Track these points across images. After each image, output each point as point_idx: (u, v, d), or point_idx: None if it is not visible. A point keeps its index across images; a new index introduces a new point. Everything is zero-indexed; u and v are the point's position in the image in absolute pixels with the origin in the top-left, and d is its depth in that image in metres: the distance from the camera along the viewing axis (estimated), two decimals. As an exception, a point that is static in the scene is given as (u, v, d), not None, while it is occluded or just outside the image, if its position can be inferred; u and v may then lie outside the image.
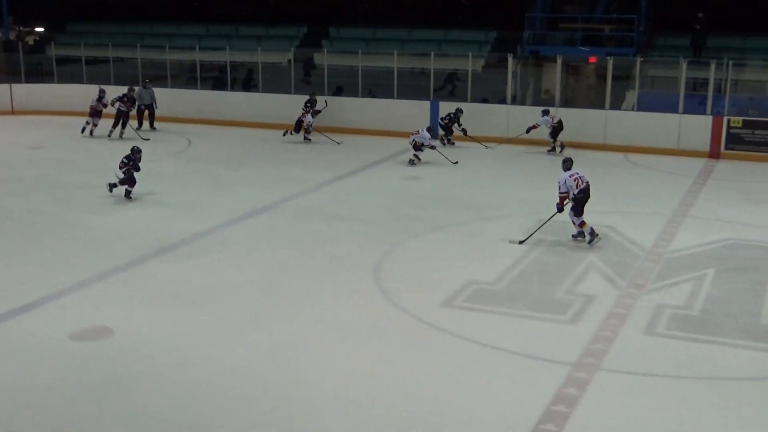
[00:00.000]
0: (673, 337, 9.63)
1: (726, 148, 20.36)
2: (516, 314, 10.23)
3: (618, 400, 8.07)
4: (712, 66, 20.85)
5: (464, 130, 21.46)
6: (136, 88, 23.40)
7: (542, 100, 23.58)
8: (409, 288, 11.06)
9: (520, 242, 12.97)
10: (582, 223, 12.94)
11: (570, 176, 12.93)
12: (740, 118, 20.45)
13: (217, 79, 26.94)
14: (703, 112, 20.92)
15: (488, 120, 22.32)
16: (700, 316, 10.21)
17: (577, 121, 21.46)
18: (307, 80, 26.19)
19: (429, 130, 19.60)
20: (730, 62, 21.14)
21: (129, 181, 15.59)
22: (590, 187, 13.03)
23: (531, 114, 21.20)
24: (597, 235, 12.92)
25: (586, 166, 19.19)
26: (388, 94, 23.54)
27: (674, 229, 13.96)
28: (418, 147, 19.11)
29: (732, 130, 20.24)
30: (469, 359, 8.98)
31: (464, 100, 22.72)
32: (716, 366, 8.87)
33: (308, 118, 21.86)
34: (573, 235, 13.18)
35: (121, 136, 22.15)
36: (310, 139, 22.03)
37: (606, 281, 11.40)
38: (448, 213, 14.85)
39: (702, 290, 11.07)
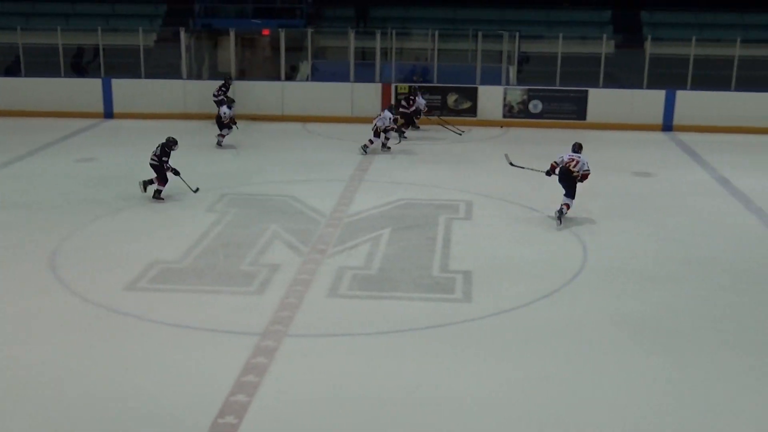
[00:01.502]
0: (354, 297, 10.11)
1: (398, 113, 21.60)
2: (203, 290, 10.20)
3: (305, 362, 8.34)
4: (378, 36, 21.97)
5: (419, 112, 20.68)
6: None
7: (219, 73, 23.52)
8: (90, 274, 10.61)
9: (511, 163, 14.20)
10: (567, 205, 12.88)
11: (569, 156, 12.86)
12: (406, 85, 21.77)
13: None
14: (372, 80, 22.01)
15: (164, 96, 21.86)
16: (378, 275, 10.81)
17: (255, 93, 21.69)
18: None
19: (390, 109, 18.32)
20: (394, 32, 22.41)
21: (163, 178, 14.01)
22: (569, 172, 12.84)
23: (208, 88, 21.06)
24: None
25: (265, 137, 19.74)
26: (55, 72, 22.16)
27: (352, 194, 14.61)
28: (379, 132, 17.78)
29: (400, 96, 21.49)
30: (158, 341, 8.81)
31: (138, 76, 22.05)
32: (395, 319, 9.44)
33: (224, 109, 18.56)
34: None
35: None
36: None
37: (290, 249, 11.69)
38: (128, 192, 14.37)
39: (379, 250, 11.72)
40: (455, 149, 18.85)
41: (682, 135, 20.43)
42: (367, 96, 21.38)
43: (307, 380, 7.97)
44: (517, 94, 21.53)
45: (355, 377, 8.07)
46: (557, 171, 13.01)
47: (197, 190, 14.26)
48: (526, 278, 10.74)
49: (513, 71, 22.56)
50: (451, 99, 21.67)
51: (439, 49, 22.10)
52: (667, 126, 21.14)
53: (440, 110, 21.45)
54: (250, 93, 21.52)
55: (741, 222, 13.47)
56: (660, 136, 20.61)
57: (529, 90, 21.48)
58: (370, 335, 9.04)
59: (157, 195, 14.05)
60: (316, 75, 22.94)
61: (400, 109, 20.01)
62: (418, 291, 10.29)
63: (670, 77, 21.53)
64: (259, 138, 19.69)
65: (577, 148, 13.05)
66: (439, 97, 21.68)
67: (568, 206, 12.97)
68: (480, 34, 21.97)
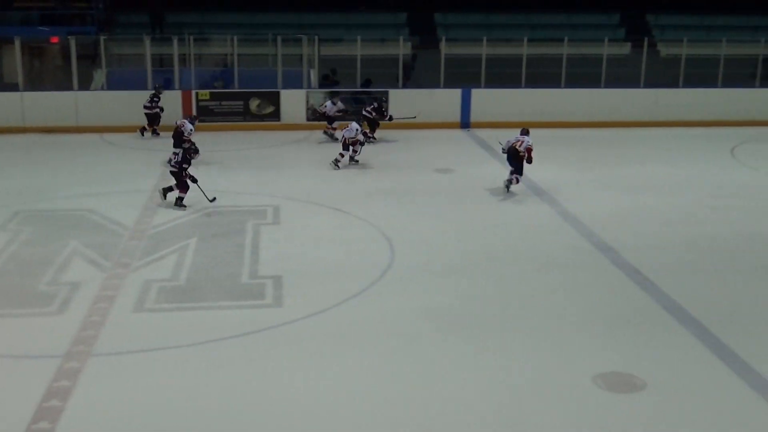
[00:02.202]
0: (162, 310, 9.84)
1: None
2: (-4, 315, 9.60)
3: (112, 381, 8.03)
4: (175, 42, 21.50)
5: (391, 117, 20.28)
6: None
7: (6, 84, 22.23)
8: None
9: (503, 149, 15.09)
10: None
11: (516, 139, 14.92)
12: (207, 91, 21.44)
13: None
14: (172, 87, 21.51)
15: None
16: (186, 285, 10.57)
17: (46, 104, 20.67)
18: None
19: (357, 120, 17.84)
20: (191, 38, 22.01)
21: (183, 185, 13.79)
22: (515, 152, 14.83)
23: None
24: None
25: (61, 149, 18.85)
26: None
27: (155, 205, 14.20)
28: (348, 143, 16.99)
29: (201, 103, 21.13)
30: (-53, 373, 8.21)
31: None
32: (206, 330, 9.25)
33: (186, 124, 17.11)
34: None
35: None
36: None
37: (91, 265, 11.22)
38: None
39: (186, 260, 11.46)
40: (260, 154, 18.73)
41: (479, 131, 21.29)
42: (166, 104, 20.85)
43: (115, 400, 7.67)
44: (319, 97, 21.68)
45: (167, 392, 7.85)
46: (505, 149, 15.06)
47: (214, 199, 14.02)
48: (336, 279, 10.84)
49: (314, 74, 22.72)
50: (254, 104, 21.54)
51: (239, 54, 21.91)
52: (465, 123, 21.97)
53: (243, 115, 21.29)
54: (41, 104, 20.48)
55: (535, 213, 14.19)
56: (459, 133, 21.38)
57: (331, 93, 21.72)
58: (180, 348, 8.82)
59: (179, 203, 13.89)
60: (112, 84, 22.13)
61: (363, 113, 19.95)
62: (228, 299, 10.15)
63: (465, 76, 22.40)
64: (54, 150, 18.78)
65: (525, 132, 15.01)
66: (241, 102, 21.50)
67: (518, 180, 15.10)
68: (279, 38, 21.97)
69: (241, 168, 17.20)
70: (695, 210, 14.44)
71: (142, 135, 20.14)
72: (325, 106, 20.25)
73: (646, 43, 22.64)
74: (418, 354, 8.71)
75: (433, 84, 22.33)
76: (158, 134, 19.87)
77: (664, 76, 23.19)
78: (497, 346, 8.95)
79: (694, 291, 10.60)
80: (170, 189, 14.05)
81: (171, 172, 14.05)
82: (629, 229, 13.19)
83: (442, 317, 9.65)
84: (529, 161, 14.89)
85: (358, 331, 9.27)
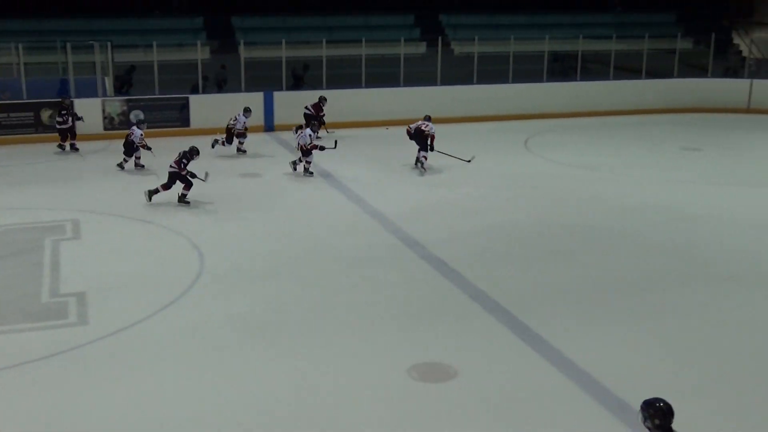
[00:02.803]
0: (-46, 338, 9.21)
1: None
2: None
3: None
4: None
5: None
6: None
7: None
8: None
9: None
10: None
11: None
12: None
13: None
14: (-48, 101, 20.13)
15: None
16: (-20, 310, 9.95)
17: None
18: None
19: (311, 126, 17.31)
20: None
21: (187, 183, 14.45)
22: (421, 131, 17.00)
23: None
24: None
25: None
26: None
27: None
28: (305, 149, 16.51)
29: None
30: None
31: None
32: (6, 355, 8.74)
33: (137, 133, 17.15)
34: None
35: None
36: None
37: None
38: None
39: (-21, 283, 10.78)
40: (56, 167, 17.80)
41: (283, 134, 21.28)
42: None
43: None
44: (116, 105, 20.94)
45: None
46: (412, 131, 17.09)
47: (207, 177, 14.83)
48: (144, 292, 10.54)
49: (109, 82, 21.90)
50: (45, 114, 20.47)
51: (25, 63, 20.76)
52: (269, 126, 21.90)
53: (34, 127, 20.24)
54: None
55: (341, 211, 14.38)
56: (264, 136, 21.28)
57: (128, 100, 21.03)
58: (-23, 377, 8.29)
59: (183, 199, 14.56)
60: None
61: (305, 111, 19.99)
62: (28, 321, 9.64)
63: (266, 79, 22.32)
64: None
65: (428, 118, 17.36)
66: (31, 113, 20.39)
67: (426, 158, 17.11)
68: (69, 45, 21.02)
69: (34, 182, 16.32)
70: (493, 200, 15.11)
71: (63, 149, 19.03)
72: (236, 119, 18.91)
73: (440, 43, 23.41)
74: (222, 363, 8.65)
75: (235, 89, 22.10)
76: (77, 149, 19.03)
77: (458, 73, 24.08)
78: (304, 348, 9.01)
79: (497, 278, 11.11)
80: (156, 191, 14.52)
81: (170, 172, 14.55)
82: (433, 222, 13.63)
83: (248, 323, 9.62)
84: (432, 148, 17.02)
85: (169, 344, 9.06)
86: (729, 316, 10.06)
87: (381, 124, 22.28)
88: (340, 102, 21.62)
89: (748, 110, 24.76)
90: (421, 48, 26.05)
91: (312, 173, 16.81)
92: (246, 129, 18.85)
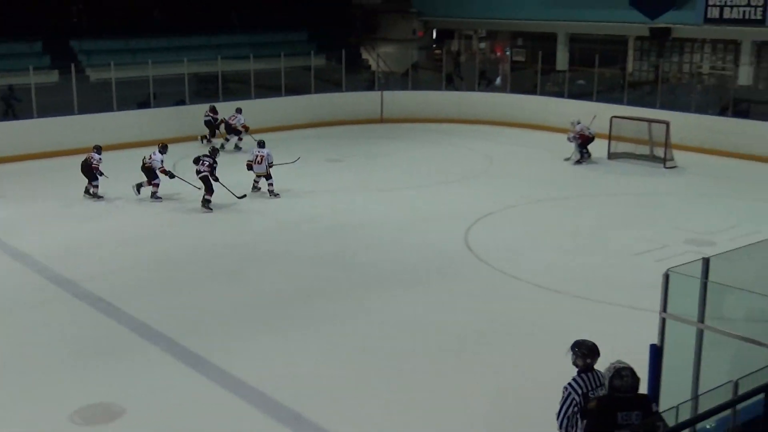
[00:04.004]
0: None
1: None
2: None
3: None
4: None
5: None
6: None
7: None
8: None
9: None
10: None
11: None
12: None
13: None
14: None
15: None
16: None
17: None
18: None
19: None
20: None
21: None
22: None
23: None
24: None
25: None
26: None
27: None
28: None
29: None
30: None
31: None
32: None
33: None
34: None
35: None
36: None
37: None
38: None
39: None
40: None
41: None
42: None
43: None
44: None
45: None
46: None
47: (244, 196, 16.29)
48: None
49: None
50: None
51: None
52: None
53: None
54: None
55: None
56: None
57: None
58: None
59: (207, 204, 15.86)
60: None
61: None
62: None
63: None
64: None
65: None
66: None
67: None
68: None
69: None
70: (147, 229, 14.84)
71: None
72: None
73: (74, 70, 22.45)
74: None
75: None
76: None
77: (96, 100, 23.23)
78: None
79: (159, 307, 10.98)
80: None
81: (201, 177, 15.86)
82: (85, 258, 13.10)
83: None
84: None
85: None
86: (383, 317, 10.79)
87: (28, 158, 20.91)
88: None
89: (381, 120, 26.63)
90: (53, 76, 24.80)
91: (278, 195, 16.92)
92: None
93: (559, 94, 25.80)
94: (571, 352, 6.28)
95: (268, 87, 25.66)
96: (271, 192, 16.90)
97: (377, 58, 29.24)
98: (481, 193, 17.37)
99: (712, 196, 17.31)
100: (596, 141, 20.26)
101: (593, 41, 28.20)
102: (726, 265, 6.87)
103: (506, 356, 9.61)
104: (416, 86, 28.38)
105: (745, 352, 6.36)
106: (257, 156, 16.90)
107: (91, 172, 16.72)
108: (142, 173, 16.68)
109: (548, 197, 16.97)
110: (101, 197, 16.72)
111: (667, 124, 19.91)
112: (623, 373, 5.66)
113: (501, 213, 15.79)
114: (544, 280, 12.01)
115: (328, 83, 27.19)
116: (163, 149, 16.79)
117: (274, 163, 17.03)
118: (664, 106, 22.72)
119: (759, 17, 22.00)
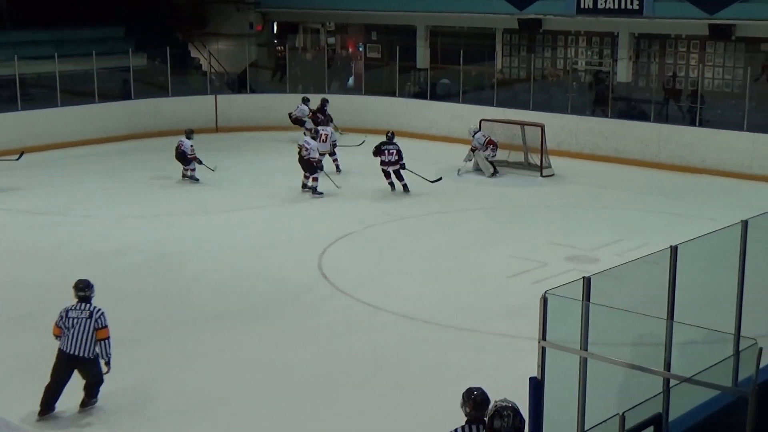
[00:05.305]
0: None
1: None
2: None
3: None
4: None
5: None
6: None
7: None
8: None
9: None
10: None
11: None
12: None
13: None
14: None
15: None
16: None
17: None
18: None
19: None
20: None
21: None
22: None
23: None
24: None
25: None
26: None
27: None
28: None
29: None
30: None
31: None
32: None
33: None
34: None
35: None
36: None
37: None
38: None
39: None
40: None
41: None
42: None
43: None
44: None
45: None
46: None
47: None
48: None
49: None
50: None
51: None
52: None
53: None
54: None
55: None
56: None
57: None
58: None
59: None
60: None
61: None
62: None
63: None
64: None
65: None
66: None
67: None
68: None
69: None
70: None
71: None
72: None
73: None
74: None
75: None
76: None
77: None
78: None
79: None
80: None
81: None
82: None
83: None
84: None
85: None
86: (227, 356, 10.64)
87: None
88: None
89: (216, 129, 26.29)
90: None
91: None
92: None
93: (421, 95, 26.26)
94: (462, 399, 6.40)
95: (77, 92, 24.93)
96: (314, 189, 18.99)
97: (209, 56, 28.95)
98: (336, 211, 17.44)
99: (594, 208, 17.99)
100: (464, 148, 20.73)
101: (457, 35, 28.80)
102: (611, 284, 7.09)
103: (373, 399, 9.63)
104: (256, 89, 28.30)
105: (634, 379, 6.59)
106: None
107: (183, 157, 20.09)
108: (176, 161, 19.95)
109: (412, 214, 17.21)
110: None
111: (542, 127, 20.56)
112: (504, 413, 5.71)
113: (359, 234, 15.89)
114: (412, 310, 12.15)
115: (150, 87, 26.71)
116: (189, 134, 20.25)
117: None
118: (538, 107, 23.49)
119: (636, 7, 23.01)
